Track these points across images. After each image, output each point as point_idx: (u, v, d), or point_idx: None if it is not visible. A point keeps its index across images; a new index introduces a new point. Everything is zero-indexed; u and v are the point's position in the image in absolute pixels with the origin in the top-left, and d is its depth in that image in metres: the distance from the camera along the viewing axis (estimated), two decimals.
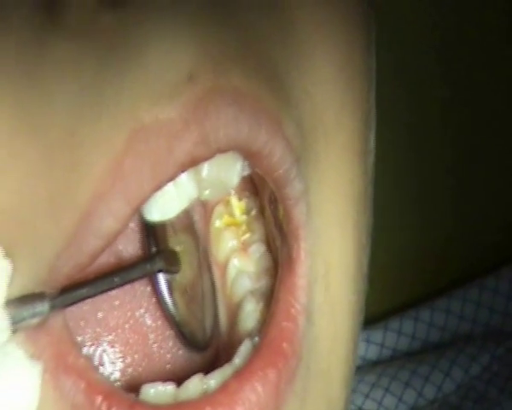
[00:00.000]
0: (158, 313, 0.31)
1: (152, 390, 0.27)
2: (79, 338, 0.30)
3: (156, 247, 0.30)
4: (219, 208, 0.32)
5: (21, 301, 0.25)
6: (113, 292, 0.30)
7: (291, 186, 0.27)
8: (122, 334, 0.31)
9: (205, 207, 0.32)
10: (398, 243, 0.70)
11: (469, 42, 0.71)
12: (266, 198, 0.31)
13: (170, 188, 0.27)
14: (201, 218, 0.32)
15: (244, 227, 0.32)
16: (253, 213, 0.32)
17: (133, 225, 0.31)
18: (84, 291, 0.27)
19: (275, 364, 0.27)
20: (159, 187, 0.25)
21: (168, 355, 0.31)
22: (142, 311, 0.31)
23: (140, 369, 0.31)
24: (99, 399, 0.26)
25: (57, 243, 0.25)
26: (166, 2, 0.24)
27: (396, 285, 0.70)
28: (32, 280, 0.25)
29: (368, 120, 0.31)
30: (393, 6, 0.64)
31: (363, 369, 0.60)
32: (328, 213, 0.29)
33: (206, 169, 0.27)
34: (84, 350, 0.30)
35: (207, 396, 0.26)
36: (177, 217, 0.28)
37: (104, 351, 0.30)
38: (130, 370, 0.31)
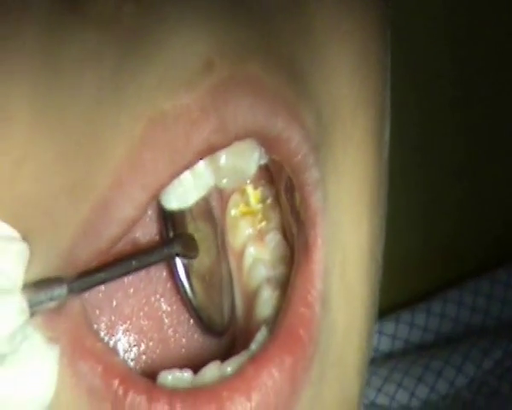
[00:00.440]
0: (173, 298, 0.32)
1: (169, 377, 0.28)
2: (95, 326, 0.30)
3: (174, 232, 0.31)
4: (235, 197, 0.33)
5: (39, 284, 0.25)
6: (128, 279, 0.31)
7: (308, 173, 0.28)
8: (137, 321, 0.31)
9: (221, 196, 0.33)
10: (409, 235, 0.71)
11: (481, 42, 0.72)
12: (282, 186, 0.31)
13: (188, 176, 0.27)
14: (218, 206, 0.33)
15: (260, 216, 0.33)
16: (269, 201, 0.33)
17: (150, 213, 0.31)
18: (101, 275, 0.28)
19: (292, 350, 0.27)
20: (176, 175, 0.26)
21: (183, 340, 0.32)
22: (157, 296, 0.32)
23: (154, 355, 0.31)
24: (116, 382, 0.26)
25: (75, 229, 0.25)
26: None
27: (407, 277, 0.70)
28: (50, 265, 0.26)
29: (383, 115, 0.32)
30: (403, 6, 0.65)
31: (376, 361, 0.61)
32: (344, 202, 0.30)
33: (223, 157, 0.28)
34: None
35: (224, 382, 0.27)
36: (196, 204, 0.29)
37: (119, 339, 0.31)
38: (144, 357, 0.31)
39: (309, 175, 0.28)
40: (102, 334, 0.31)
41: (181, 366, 0.29)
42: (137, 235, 0.31)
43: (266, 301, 0.31)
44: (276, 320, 0.29)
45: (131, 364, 0.31)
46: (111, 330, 0.31)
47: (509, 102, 0.73)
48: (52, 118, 0.24)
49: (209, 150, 0.26)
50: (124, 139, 0.25)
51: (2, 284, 0.25)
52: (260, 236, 0.32)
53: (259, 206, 0.33)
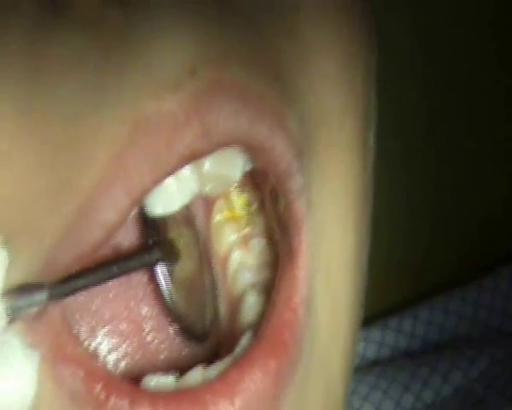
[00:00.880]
0: (154, 302, 0.32)
1: (153, 381, 0.28)
2: (75, 330, 0.31)
3: (156, 238, 0.31)
4: (220, 203, 0.33)
5: (19, 290, 0.25)
6: (108, 284, 0.31)
7: (293, 180, 0.28)
8: (117, 326, 0.32)
9: (205, 202, 0.33)
10: (394, 242, 0.72)
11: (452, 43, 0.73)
12: (267, 192, 0.32)
13: (172, 182, 0.28)
14: (202, 212, 0.33)
15: (244, 221, 0.33)
16: (254, 207, 0.33)
17: (131, 218, 0.32)
18: (82, 281, 0.28)
19: (276, 354, 0.28)
20: (160, 180, 0.26)
21: (164, 344, 0.32)
22: (137, 300, 0.32)
23: (134, 360, 0.32)
24: (98, 387, 0.26)
25: (57, 233, 0.25)
26: None
27: (394, 284, 0.71)
28: (31, 270, 0.26)
29: (369, 119, 0.32)
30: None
31: (363, 368, 0.61)
32: (328, 208, 0.30)
33: (208, 164, 0.28)
34: None
35: (207, 385, 0.27)
36: (180, 210, 0.29)
37: (99, 343, 0.31)
38: (124, 361, 0.31)
39: (293, 182, 0.29)
40: (82, 338, 0.31)
41: (161, 371, 0.29)
42: (118, 240, 0.32)
43: (251, 307, 0.31)
44: (260, 324, 0.29)
45: (113, 367, 0.31)
46: (91, 334, 0.31)
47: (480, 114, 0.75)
48: (35, 119, 0.24)
49: (192, 156, 0.26)
50: (106, 142, 0.25)
51: None
52: (245, 241, 0.33)
53: (244, 211, 0.33)
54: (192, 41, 0.25)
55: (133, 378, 0.29)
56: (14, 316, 0.25)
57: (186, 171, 0.28)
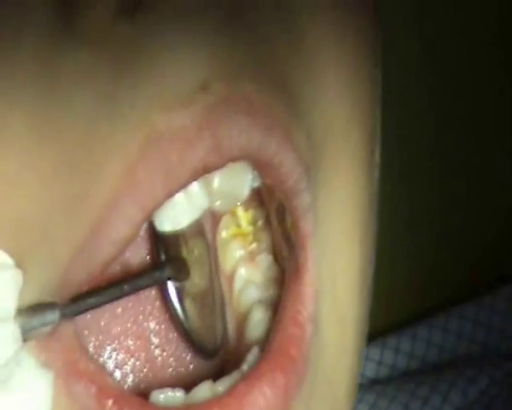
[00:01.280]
0: (162, 317, 0.33)
1: (161, 396, 0.29)
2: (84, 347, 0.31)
3: (166, 255, 0.31)
4: (226, 219, 0.34)
5: (32, 310, 0.26)
6: None
7: (300, 197, 0.29)
8: (124, 341, 0.32)
9: (212, 217, 0.34)
10: (394, 261, 0.72)
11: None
12: (273, 209, 0.32)
13: (181, 198, 0.28)
14: (209, 227, 0.34)
15: (251, 237, 0.34)
16: (260, 223, 0.34)
17: (141, 233, 0.32)
18: (93, 300, 0.28)
19: (283, 368, 0.28)
20: (171, 193, 0.27)
21: (171, 359, 0.33)
22: (145, 315, 0.33)
23: (142, 375, 0.32)
24: (110, 402, 0.27)
25: (70, 250, 0.26)
26: (183, 13, 0.26)
27: (393, 302, 0.71)
28: (44, 289, 0.26)
29: (374, 134, 0.33)
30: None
31: (362, 387, 0.61)
32: (335, 225, 0.31)
33: (217, 180, 0.29)
34: None
35: (216, 399, 0.28)
36: (189, 225, 0.30)
37: (107, 359, 0.32)
38: (131, 376, 0.32)
39: (300, 199, 0.29)
40: (91, 354, 0.31)
41: (168, 386, 0.30)
42: (127, 256, 0.32)
43: (257, 323, 0.31)
44: (267, 340, 0.29)
45: (121, 382, 0.32)
46: (99, 350, 0.32)
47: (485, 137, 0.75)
48: (48, 134, 0.25)
49: (204, 170, 0.27)
50: (119, 157, 0.26)
51: None
52: (251, 257, 0.33)
53: (250, 228, 0.34)
54: (205, 55, 0.26)
55: (141, 393, 0.30)
56: (27, 335, 0.26)
57: (195, 187, 0.29)
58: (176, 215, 0.29)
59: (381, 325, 0.68)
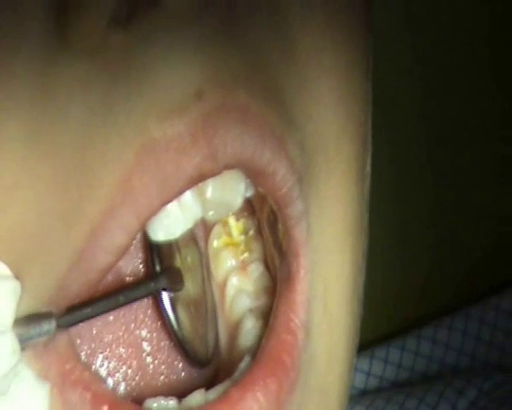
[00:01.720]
0: (154, 325, 0.33)
1: (154, 405, 0.29)
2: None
3: (160, 265, 0.32)
4: (217, 228, 0.34)
5: (28, 320, 0.26)
6: None
7: (293, 206, 0.29)
8: (116, 349, 0.33)
9: (204, 227, 0.34)
10: (384, 272, 0.73)
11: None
12: (265, 218, 0.33)
13: (175, 208, 0.29)
14: (202, 236, 0.34)
15: (242, 247, 0.34)
16: (251, 233, 0.34)
17: (134, 242, 0.33)
18: (89, 310, 0.29)
19: (275, 374, 0.29)
20: (167, 201, 0.27)
21: (162, 367, 0.33)
22: (137, 323, 0.33)
23: (134, 382, 0.33)
24: (105, 408, 0.28)
25: (67, 259, 0.27)
26: (176, 22, 0.26)
27: (382, 314, 0.72)
28: (41, 299, 0.27)
29: (366, 145, 0.34)
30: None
31: (350, 399, 0.62)
32: (327, 234, 0.31)
33: (210, 190, 0.29)
34: None
35: (209, 405, 0.28)
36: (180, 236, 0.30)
37: (101, 366, 0.32)
38: (123, 384, 0.32)
39: (293, 208, 0.30)
40: (83, 362, 0.31)
41: (160, 393, 0.30)
42: (120, 264, 0.33)
43: (249, 332, 0.32)
44: (258, 348, 0.30)
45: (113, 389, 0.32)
46: (91, 358, 0.32)
47: (470, 148, 0.76)
48: (44, 145, 0.25)
49: (199, 178, 0.27)
50: (115, 166, 0.26)
51: None
52: (243, 267, 0.34)
53: (242, 237, 0.34)
54: (199, 63, 0.27)
55: (133, 401, 0.30)
56: (24, 346, 0.26)
57: (189, 196, 0.29)
58: (169, 225, 0.29)
59: (370, 336, 0.69)
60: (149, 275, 0.33)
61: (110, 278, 0.32)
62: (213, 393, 0.29)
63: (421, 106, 0.75)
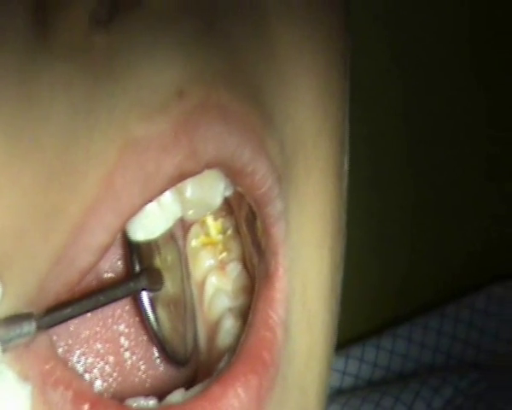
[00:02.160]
0: (131, 320, 0.34)
1: (134, 404, 0.30)
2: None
3: (140, 264, 0.32)
4: (196, 228, 0.35)
5: (9, 321, 0.27)
6: None
7: (272, 205, 0.30)
8: (93, 345, 0.33)
9: (183, 226, 0.35)
10: (359, 272, 0.73)
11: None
12: (243, 217, 0.33)
13: (154, 208, 0.29)
14: (180, 235, 0.35)
15: (220, 246, 0.35)
16: (229, 232, 0.35)
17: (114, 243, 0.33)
18: (69, 311, 0.29)
19: (256, 370, 0.29)
20: (149, 200, 0.28)
21: (141, 362, 0.34)
22: (115, 319, 0.34)
23: (111, 378, 0.33)
24: (86, 407, 0.28)
25: (48, 260, 0.27)
26: (158, 22, 0.27)
27: (358, 313, 0.72)
28: (21, 299, 0.27)
29: (343, 144, 0.34)
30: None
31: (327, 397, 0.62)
32: (306, 233, 0.32)
33: (189, 189, 0.30)
34: None
35: (191, 402, 0.29)
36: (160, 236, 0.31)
37: (77, 362, 0.33)
38: (100, 380, 0.33)
39: (272, 207, 0.30)
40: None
41: (138, 391, 0.31)
42: (101, 266, 0.33)
43: (228, 331, 0.32)
44: (238, 345, 0.30)
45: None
46: (68, 354, 0.32)
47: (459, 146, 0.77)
48: (26, 146, 0.26)
49: (180, 177, 0.28)
50: (97, 165, 0.27)
51: None
52: (221, 266, 0.34)
53: (220, 237, 0.35)
54: (180, 63, 0.27)
55: (110, 396, 0.31)
56: (4, 347, 0.27)
57: (168, 196, 0.30)
58: (149, 225, 0.30)
59: (346, 335, 0.69)
60: (129, 274, 0.33)
61: (92, 279, 0.33)
62: (193, 392, 0.30)
63: (402, 104, 0.75)
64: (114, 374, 0.33)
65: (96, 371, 0.33)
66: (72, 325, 0.33)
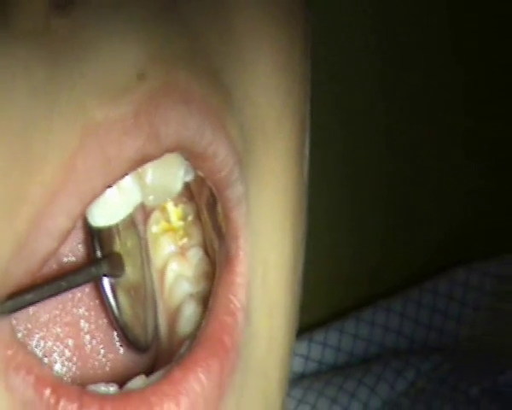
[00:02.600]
0: (92, 303, 0.34)
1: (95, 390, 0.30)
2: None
3: (101, 250, 0.33)
4: (156, 214, 0.35)
5: None
6: None
7: (232, 188, 0.30)
8: (53, 328, 0.33)
9: (143, 211, 0.35)
10: (322, 255, 0.74)
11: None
12: (203, 202, 0.33)
13: (114, 193, 0.29)
14: (141, 220, 0.35)
15: (181, 232, 0.35)
16: (190, 218, 0.35)
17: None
18: (31, 296, 0.29)
19: (217, 355, 0.29)
20: (110, 184, 0.28)
21: (101, 345, 0.34)
22: (75, 302, 0.34)
23: (71, 363, 0.33)
24: (47, 392, 0.28)
25: (10, 246, 0.27)
26: (117, 4, 0.27)
27: (320, 297, 0.73)
28: None
29: (305, 127, 0.34)
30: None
31: (289, 382, 0.63)
32: (266, 216, 0.32)
33: (150, 175, 0.30)
34: None
35: (153, 386, 0.29)
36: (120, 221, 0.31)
37: (37, 346, 0.33)
38: (59, 364, 0.33)
39: (233, 190, 0.30)
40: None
41: (98, 374, 0.31)
42: (61, 251, 0.33)
43: (189, 317, 0.33)
44: (199, 330, 0.31)
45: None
46: (27, 338, 0.32)
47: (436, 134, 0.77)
48: None
49: (142, 161, 0.28)
50: (57, 149, 0.27)
51: None
52: (182, 252, 0.35)
53: (181, 223, 0.35)
54: (140, 45, 0.27)
55: (71, 380, 0.31)
56: None
57: (129, 181, 0.30)
58: (109, 210, 0.30)
59: (308, 320, 0.70)
60: (90, 259, 0.33)
61: (53, 265, 0.33)
62: (154, 378, 0.30)
63: (378, 80, 0.75)
64: (74, 358, 0.33)
65: (55, 354, 0.33)
66: (32, 308, 0.33)
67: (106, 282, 0.33)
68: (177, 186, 0.31)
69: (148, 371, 0.31)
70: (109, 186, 0.28)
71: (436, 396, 0.62)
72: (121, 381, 0.31)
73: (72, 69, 0.27)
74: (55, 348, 0.33)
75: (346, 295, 0.75)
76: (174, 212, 0.35)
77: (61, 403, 0.28)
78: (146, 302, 0.34)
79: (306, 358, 0.67)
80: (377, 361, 0.65)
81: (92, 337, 0.34)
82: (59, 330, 0.33)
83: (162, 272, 0.35)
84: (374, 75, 0.75)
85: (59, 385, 0.28)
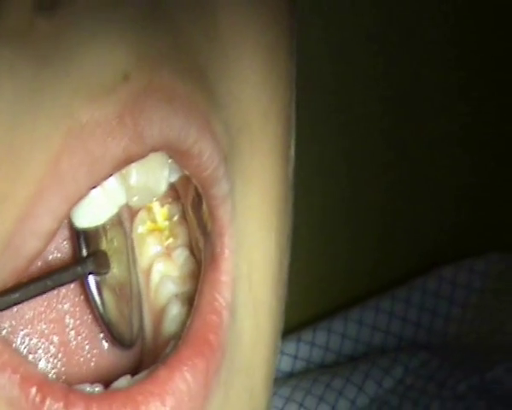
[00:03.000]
0: (76, 299, 0.34)
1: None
2: None
3: (86, 248, 0.33)
4: (142, 214, 0.35)
5: None
6: None
7: (218, 186, 0.30)
8: (38, 325, 0.33)
9: (129, 211, 0.35)
10: (310, 254, 0.74)
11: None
12: (189, 202, 0.34)
13: (99, 194, 0.30)
14: (128, 218, 0.35)
15: (167, 233, 0.35)
16: (176, 218, 0.35)
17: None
18: (17, 296, 0.30)
19: (203, 354, 0.30)
20: (95, 185, 0.28)
21: (86, 341, 0.34)
22: (59, 298, 0.34)
23: (56, 359, 0.33)
24: (33, 391, 0.28)
25: None
26: (101, 5, 0.27)
27: (308, 297, 0.73)
28: None
29: (290, 126, 0.35)
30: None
31: (277, 381, 0.63)
32: (252, 214, 0.32)
33: (134, 175, 0.30)
34: None
35: (139, 385, 0.29)
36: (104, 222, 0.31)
37: (21, 343, 0.33)
38: (44, 361, 0.33)
39: (218, 188, 0.31)
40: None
41: (83, 371, 0.32)
42: (47, 251, 0.33)
43: (174, 318, 0.33)
44: (184, 328, 0.31)
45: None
46: (11, 335, 0.32)
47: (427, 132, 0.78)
48: None
49: (127, 161, 0.28)
50: (43, 150, 0.27)
51: None
52: (168, 252, 0.35)
53: (166, 223, 0.35)
54: (125, 45, 0.27)
55: (56, 377, 0.31)
56: None
57: (113, 182, 0.30)
58: (93, 211, 0.30)
59: (297, 320, 0.70)
60: (75, 257, 0.33)
61: (39, 264, 0.33)
62: (139, 378, 0.30)
63: (375, 76, 0.75)
64: (59, 355, 0.33)
65: (40, 351, 0.33)
66: (16, 305, 0.33)
67: (91, 279, 0.33)
68: (162, 187, 0.31)
69: (134, 371, 0.31)
70: (94, 187, 0.28)
71: (424, 393, 0.62)
72: (106, 378, 0.31)
73: (57, 69, 0.27)
74: (39, 344, 0.33)
75: (338, 294, 0.75)
76: (160, 212, 0.35)
77: (47, 402, 0.28)
78: (131, 300, 0.34)
79: (295, 357, 0.67)
80: (365, 359, 0.66)
81: (77, 334, 0.34)
82: (44, 326, 0.33)
83: (148, 273, 0.35)
84: (371, 72, 0.75)
85: (44, 384, 0.29)
